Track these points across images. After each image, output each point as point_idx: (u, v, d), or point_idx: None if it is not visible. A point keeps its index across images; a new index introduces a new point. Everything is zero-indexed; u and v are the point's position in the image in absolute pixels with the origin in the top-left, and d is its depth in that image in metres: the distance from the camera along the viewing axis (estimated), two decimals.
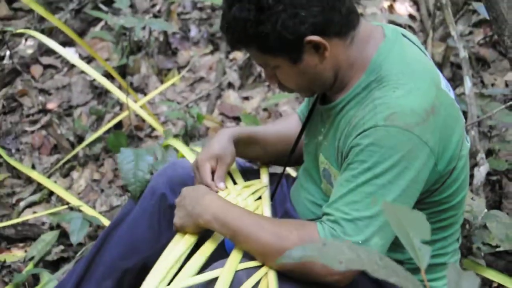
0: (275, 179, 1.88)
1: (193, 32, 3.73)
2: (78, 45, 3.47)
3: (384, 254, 1.32)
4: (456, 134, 1.52)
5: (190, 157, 2.13)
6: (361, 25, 1.55)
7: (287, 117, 1.99)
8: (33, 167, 3.12)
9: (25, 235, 2.68)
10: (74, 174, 3.09)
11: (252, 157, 1.94)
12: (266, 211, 1.74)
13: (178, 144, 2.39)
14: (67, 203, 2.67)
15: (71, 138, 3.21)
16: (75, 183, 3.05)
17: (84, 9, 3.83)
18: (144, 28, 3.55)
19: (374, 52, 1.53)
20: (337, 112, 1.58)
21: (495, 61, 3.26)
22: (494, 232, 2.00)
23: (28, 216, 2.73)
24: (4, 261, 2.51)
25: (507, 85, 3.12)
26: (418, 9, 3.60)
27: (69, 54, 3.11)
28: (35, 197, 2.91)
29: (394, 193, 1.43)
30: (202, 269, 1.56)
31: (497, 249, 2.11)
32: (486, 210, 2.07)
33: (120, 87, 3.21)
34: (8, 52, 3.56)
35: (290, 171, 2.40)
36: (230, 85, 3.45)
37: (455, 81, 3.13)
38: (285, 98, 3.24)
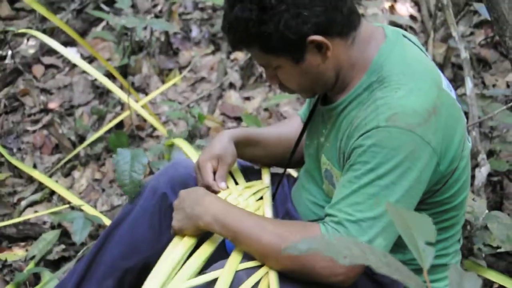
0: (276, 179, 1.88)
1: (195, 32, 3.73)
2: (80, 45, 3.48)
3: None
4: (458, 134, 1.52)
5: (194, 157, 2.13)
6: (362, 25, 1.55)
7: (289, 119, 1.99)
8: (35, 166, 3.13)
9: (26, 234, 2.68)
10: (75, 174, 3.09)
11: (252, 159, 1.93)
12: (268, 211, 1.73)
13: (182, 143, 2.39)
14: (68, 203, 2.67)
15: (73, 138, 3.21)
16: (76, 182, 3.05)
17: (86, 9, 3.84)
18: (145, 28, 3.55)
19: (375, 52, 1.53)
20: (339, 113, 1.58)
21: (496, 62, 3.25)
22: (495, 233, 2.00)
23: (29, 215, 2.73)
24: (5, 260, 2.51)
25: (508, 86, 3.12)
26: (419, 10, 3.60)
27: (71, 54, 3.12)
28: (37, 196, 2.91)
29: (397, 194, 1.42)
30: (203, 270, 1.55)
31: (498, 250, 2.11)
32: (487, 211, 2.07)
33: (121, 87, 3.21)
34: (10, 52, 3.56)
35: (291, 171, 2.40)
36: (231, 85, 3.45)
37: (456, 82, 3.13)
38: (286, 99, 3.24)
